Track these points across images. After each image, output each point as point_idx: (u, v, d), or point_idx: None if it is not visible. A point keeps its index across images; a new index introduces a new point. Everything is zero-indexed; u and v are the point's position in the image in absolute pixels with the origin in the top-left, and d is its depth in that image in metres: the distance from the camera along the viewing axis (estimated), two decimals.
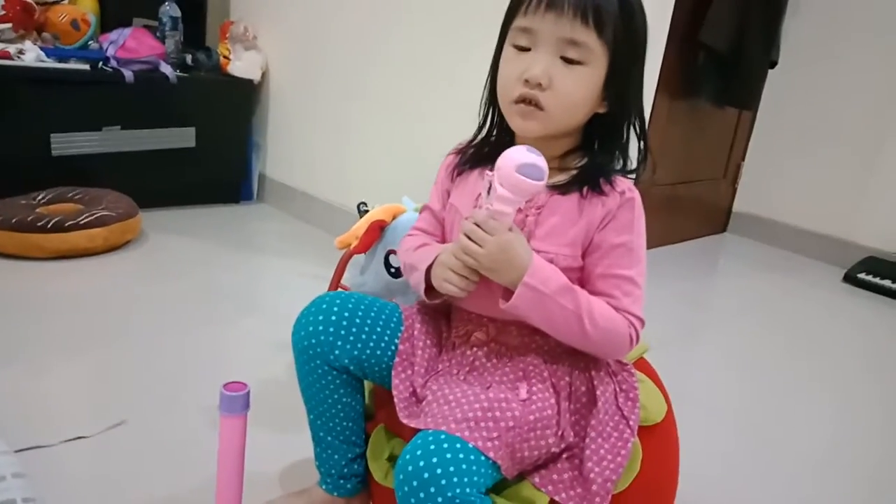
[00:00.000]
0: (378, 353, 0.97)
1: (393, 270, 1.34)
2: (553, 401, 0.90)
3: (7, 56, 2.28)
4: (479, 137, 1.02)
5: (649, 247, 0.95)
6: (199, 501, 1.18)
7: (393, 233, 1.34)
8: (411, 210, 1.39)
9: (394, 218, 1.36)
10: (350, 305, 0.98)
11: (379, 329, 0.98)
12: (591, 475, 0.86)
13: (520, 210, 0.91)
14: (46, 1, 2.55)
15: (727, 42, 2.61)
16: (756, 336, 2.24)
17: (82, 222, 2.15)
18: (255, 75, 2.77)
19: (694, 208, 3.15)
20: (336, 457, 1.04)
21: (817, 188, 3.14)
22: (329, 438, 1.03)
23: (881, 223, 2.97)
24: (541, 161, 0.83)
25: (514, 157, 0.82)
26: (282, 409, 1.39)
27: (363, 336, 0.97)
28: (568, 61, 0.87)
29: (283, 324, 1.83)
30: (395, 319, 1.00)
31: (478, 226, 0.86)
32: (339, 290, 1.65)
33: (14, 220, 2.07)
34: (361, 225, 1.36)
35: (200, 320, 1.85)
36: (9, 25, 2.38)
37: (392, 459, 1.00)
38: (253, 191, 2.95)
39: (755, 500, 1.38)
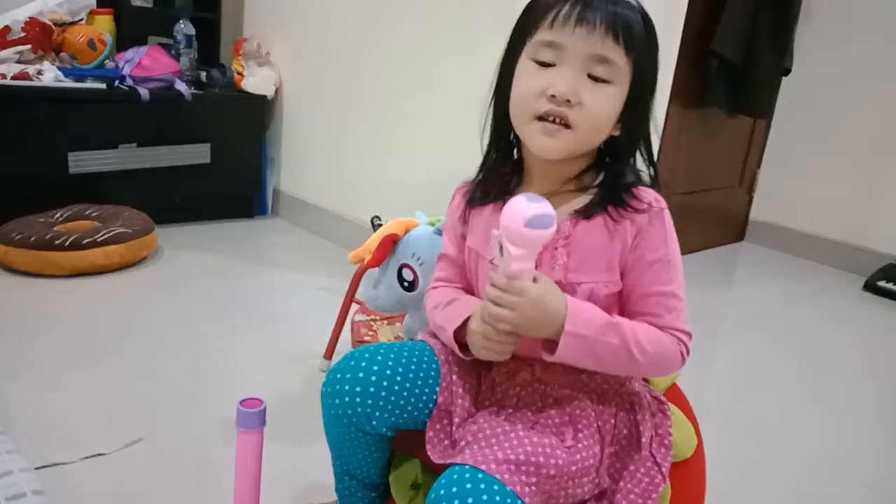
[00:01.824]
0: (416, 413, 0.90)
1: (406, 284, 1.34)
2: (597, 448, 0.86)
3: (26, 77, 2.32)
4: (485, 169, 0.97)
5: None
6: None
7: (405, 246, 1.34)
8: (424, 224, 1.39)
9: (406, 232, 1.36)
10: (388, 371, 0.89)
11: (417, 390, 0.90)
12: None
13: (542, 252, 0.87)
14: (64, 22, 2.59)
15: (739, 51, 2.60)
16: (776, 345, 2.22)
17: (99, 240, 2.17)
18: (268, 91, 2.80)
19: (710, 217, 3.13)
20: (359, 494, 1.00)
21: (835, 195, 3.11)
22: (353, 483, 0.99)
23: None
24: (546, 207, 0.79)
25: (518, 212, 0.78)
26: (296, 422, 1.39)
27: (401, 402, 0.89)
28: (595, 79, 0.83)
29: (298, 337, 1.85)
30: (432, 371, 0.92)
31: (503, 290, 0.81)
32: (356, 304, 1.65)
33: (32, 239, 2.10)
34: (374, 239, 1.36)
35: (216, 334, 1.86)
36: (28, 47, 2.42)
37: (416, 487, 0.96)
38: (267, 205, 2.97)
39: None
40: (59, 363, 1.63)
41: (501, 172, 0.95)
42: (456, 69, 2.16)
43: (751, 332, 2.28)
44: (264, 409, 0.99)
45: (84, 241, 2.14)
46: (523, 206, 0.78)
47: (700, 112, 2.77)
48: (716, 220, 3.21)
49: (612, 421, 0.89)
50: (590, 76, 0.83)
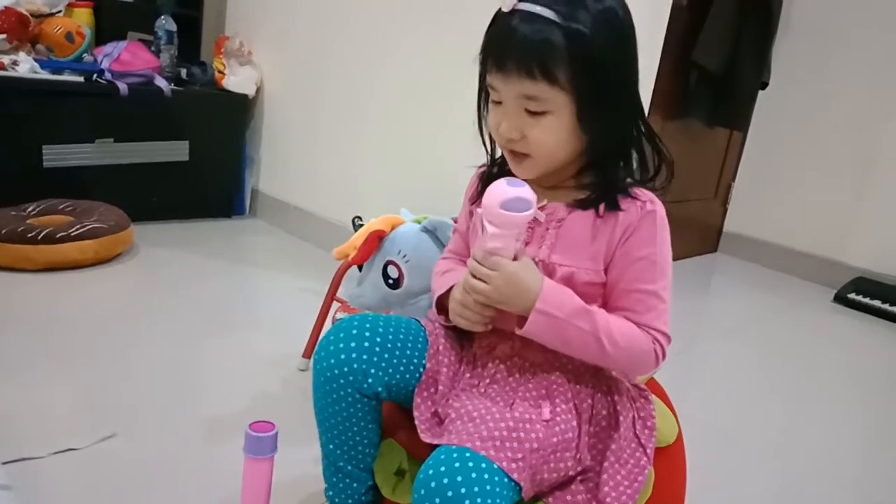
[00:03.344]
0: (407, 375, 0.94)
1: (391, 281, 1.33)
2: (574, 423, 0.88)
3: (1, 67, 2.27)
4: (497, 158, 1.00)
5: None
6: None
7: (392, 243, 1.33)
8: (410, 221, 1.38)
9: (392, 229, 1.35)
10: (380, 329, 0.94)
11: (408, 351, 0.95)
12: (608, 499, 0.85)
13: (532, 228, 0.91)
14: (41, 13, 2.55)
15: (720, 62, 2.64)
16: (747, 356, 2.25)
17: (73, 234, 2.12)
18: (249, 90, 2.78)
19: (685, 228, 3.16)
20: (356, 485, 1.00)
21: (807, 209, 3.17)
22: (349, 468, 0.98)
23: (871, 244, 3.00)
24: (523, 191, 0.84)
25: (496, 195, 0.84)
26: (276, 421, 1.37)
27: (394, 360, 0.93)
28: (532, 113, 0.86)
29: (276, 337, 1.83)
30: (421, 338, 0.97)
31: (480, 263, 0.86)
32: (337, 303, 1.64)
33: (4, 231, 2.05)
34: (360, 235, 1.35)
35: (192, 333, 1.83)
36: (3, 36, 2.37)
37: (400, 473, 0.97)
38: (245, 205, 2.94)
39: None
40: (29, 358, 1.59)
41: (507, 168, 0.97)
42: (436, 68, 2.17)
43: (723, 343, 2.31)
44: (276, 434, 0.97)
45: (58, 235, 2.09)
46: (503, 189, 0.84)
47: (680, 123, 2.81)
48: (691, 231, 3.25)
49: (590, 401, 0.92)
50: (526, 111, 0.86)
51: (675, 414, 1.07)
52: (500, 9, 0.86)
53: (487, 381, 0.93)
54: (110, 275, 2.17)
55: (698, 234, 3.34)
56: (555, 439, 0.84)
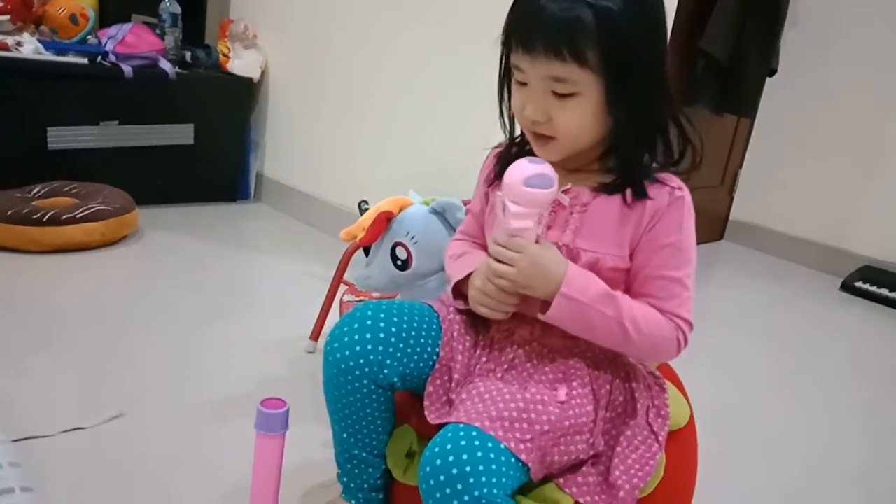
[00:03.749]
0: (421, 364, 0.93)
1: (399, 263, 1.32)
2: (590, 408, 0.87)
3: (5, 47, 2.25)
4: (516, 138, 0.98)
5: None
6: (192, 493, 1.15)
7: (400, 225, 1.32)
8: (418, 203, 1.37)
9: (401, 210, 1.34)
10: (394, 318, 0.92)
11: (423, 339, 0.93)
12: (619, 482, 0.84)
13: (562, 208, 0.89)
14: None
15: (727, 50, 2.62)
16: (753, 345, 2.23)
17: (79, 216, 2.12)
18: (254, 74, 2.76)
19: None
20: (371, 470, 0.99)
21: (814, 197, 3.15)
22: (364, 454, 0.97)
23: (878, 232, 2.98)
24: (546, 168, 0.83)
25: (518, 172, 0.83)
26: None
27: (409, 350, 0.91)
28: (559, 95, 0.83)
29: (283, 320, 1.83)
30: (434, 325, 0.96)
31: (503, 247, 0.84)
32: (344, 286, 1.63)
33: (9, 213, 2.04)
34: (368, 217, 1.35)
35: (198, 317, 1.83)
36: (7, 17, 2.35)
37: (411, 455, 0.97)
38: (250, 189, 2.93)
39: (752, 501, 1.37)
40: (35, 340, 1.59)
41: (526, 148, 0.95)
42: (443, 51, 2.15)
43: (729, 332, 2.29)
44: (287, 410, 0.96)
45: (63, 217, 2.09)
46: (525, 167, 0.83)
47: (687, 111, 2.76)
48: (697, 219, 3.22)
49: (608, 387, 0.91)
50: (554, 93, 0.83)
51: (687, 398, 1.06)
52: None
53: (505, 366, 0.92)
54: (115, 257, 2.16)
55: (704, 222, 3.32)
56: (567, 423, 0.83)
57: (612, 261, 0.88)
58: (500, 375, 0.91)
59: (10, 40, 2.29)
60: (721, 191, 3.35)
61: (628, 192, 0.87)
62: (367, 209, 1.51)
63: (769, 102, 3.11)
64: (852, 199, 3.05)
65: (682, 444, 0.99)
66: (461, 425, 0.77)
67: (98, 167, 2.44)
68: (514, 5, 0.85)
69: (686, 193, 0.89)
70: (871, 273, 2.86)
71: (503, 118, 0.95)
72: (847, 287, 2.84)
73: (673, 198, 0.87)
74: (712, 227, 3.40)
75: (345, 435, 0.97)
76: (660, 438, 0.90)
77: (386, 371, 0.90)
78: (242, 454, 1.06)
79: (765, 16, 2.66)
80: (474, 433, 0.76)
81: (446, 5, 2.13)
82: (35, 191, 2.24)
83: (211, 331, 1.76)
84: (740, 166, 3.35)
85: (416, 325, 0.94)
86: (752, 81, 2.75)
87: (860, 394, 1.97)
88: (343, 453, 0.99)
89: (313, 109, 2.67)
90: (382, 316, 0.92)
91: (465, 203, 1.39)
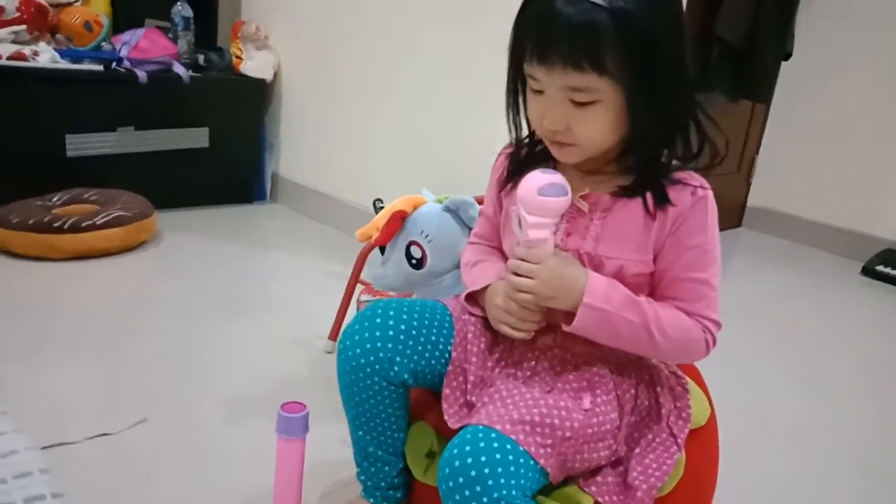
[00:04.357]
0: (433, 361, 0.93)
1: (414, 261, 1.32)
2: (615, 415, 0.86)
3: (22, 57, 2.28)
4: (529, 142, 0.96)
5: None
6: (216, 495, 1.17)
7: (414, 223, 1.33)
8: (431, 201, 1.38)
9: (415, 209, 1.35)
10: (404, 316, 0.92)
11: (433, 337, 0.93)
12: (636, 482, 0.84)
13: (581, 214, 0.88)
14: (59, 2, 2.56)
15: (742, 34, 2.59)
16: (773, 332, 2.21)
17: (98, 223, 2.15)
18: (267, 75, 2.77)
19: None
20: (387, 468, 1.00)
21: (833, 181, 3.11)
22: (379, 453, 0.98)
23: None
24: (558, 177, 0.84)
25: (532, 183, 0.83)
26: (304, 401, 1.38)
27: (419, 347, 0.92)
28: (578, 104, 0.81)
29: (301, 320, 1.84)
30: (446, 324, 0.95)
31: (522, 259, 0.84)
32: (361, 285, 1.64)
33: (31, 222, 2.07)
34: (382, 216, 1.35)
35: (217, 318, 1.85)
36: (23, 27, 2.38)
37: (431, 455, 0.97)
38: (266, 190, 2.95)
39: (772, 495, 1.36)
40: (61, 346, 1.62)
41: (538, 149, 0.94)
42: (454, 50, 2.15)
43: (749, 319, 2.28)
44: (307, 414, 0.98)
45: (83, 224, 2.12)
46: (536, 178, 0.83)
47: (701, 97, 2.73)
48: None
49: (633, 391, 0.90)
50: (572, 101, 0.81)
51: (708, 395, 1.06)
52: None
53: (528, 373, 0.91)
54: (135, 262, 2.19)
55: (721, 210, 3.22)
56: (591, 430, 0.83)
57: (636, 266, 0.86)
58: (522, 380, 0.91)
59: (27, 50, 2.32)
60: (738, 178, 3.32)
61: (650, 198, 0.85)
62: (381, 207, 1.51)
63: (785, 86, 3.07)
64: (872, 181, 3.00)
65: (702, 442, 0.99)
66: (481, 427, 0.77)
67: (116, 173, 2.47)
68: (523, 10, 0.82)
69: (709, 192, 0.87)
70: (893, 256, 2.83)
71: (510, 121, 0.93)
72: (868, 271, 2.80)
73: (696, 198, 0.86)
74: (730, 214, 3.37)
75: (360, 433, 0.98)
76: (679, 440, 0.90)
77: (396, 368, 0.90)
78: (264, 455, 1.07)
79: None
80: (493, 435, 0.76)
81: (459, 3, 2.13)
82: (55, 199, 2.27)
83: (231, 332, 1.78)
84: (757, 152, 3.32)
85: (427, 322, 0.94)
86: (767, 66, 2.71)
87: (884, 383, 1.95)
88: (360, 451, 1.00)
89: (326, 109, 2.68)
90: (392, 314, 0.92)
91: (478, 200, 1.39)
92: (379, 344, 0.90)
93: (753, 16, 2.58)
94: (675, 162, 0.88)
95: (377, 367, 0.90)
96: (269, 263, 2.36)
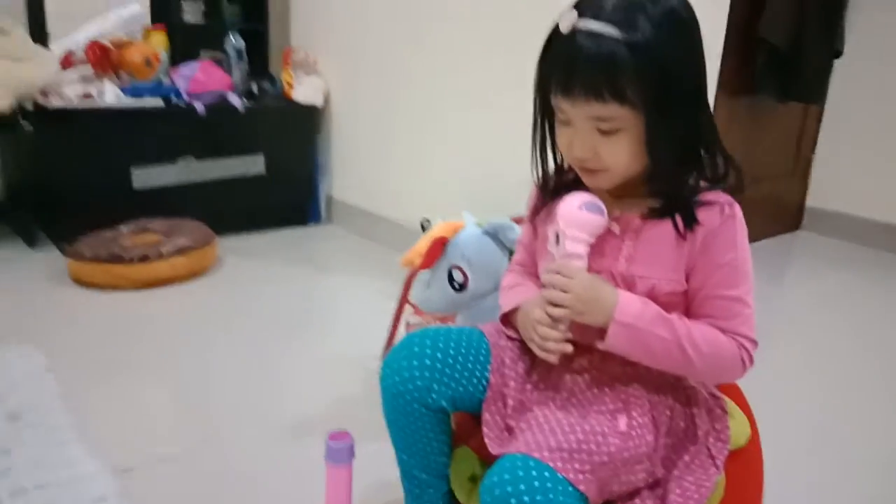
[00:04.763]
0: (471, 388, 0.95)
1: (457, 285, 1.37)
2: (651, 437, 0.87)
3: (89, 97, 2.43)
4: (555, 167, 0.99)
5: None
6: None
7: (454, 248, 1.37)
8: (471, 224, 1.42)
9: (455, 233, 1.39)
10: (441, 345, 0.96)
11: (470, 365, 0.96)
12: None
13: (613, 236, 0.90)
14: (121, 42, 2.71)
15: (787, 36, 2.55)
16: (837, 338, 2.16)
17: (164, 252, 2.27)
18: (317, 100, 2.87)
19: (763, 207, 3.06)
20: (431, 490, 1.03)
21: (894, 179, 3.01)
22: (424, 476, 1.02)
23: None
24: (597, 199, 0.88)
25: (572, 198, 0.88)
26: (356, 422, 1.43)
27: (456, 375, 0.95)
28: (604, 132, 0.84)
29: (355, 340, 1.90)
30: (483, 351, 0.98)
31: (556, 272, 0.87)
32: (410, 307, 1.69)
33: (104, 254, 2.21)
34: (423, 242, 1.40)
35: (275, 340, 1.93)
36: (90, 69, 2.53)
37: (474, 480, 1.00)
38: (321, 212, 3.04)
39: None
40: (132, 372, 1.72)
41: (567, 178, 0.98)
42: (499, 76, 2.18)
43: (810, 326, 2.23)
44: (352, 444, 1.05)
45: (150, 255, 2.24)
46: (578, 194, 0.89)
47: (749, 101, 2.72)
48: (769, 210, 3.14)
49: (668, 413, 0.91)
50: (598, 130, 0.84)
51: (751, 416, 1.06)
52: (555, 29, 0.84)
53: (565, 394, 0.93)
54: (199, 288, 2.30)
55: (777, 213, 3.22)
56: (627, 453, 0.84)
57: (669, 285, 0.88)
58: (559, 404, 0.92)
59: (93, 90, 2.47)
60: (792, 180, 3.24)
61: (679, 220, 0.87)
62: (428, 227, 1.56)
63: (840, 84, 3.00)
64: None
65: (744, 463, 0.98)
66: (520, 455, 0.79)
67: (179, 201, 2.60)
68: (546, 47, 0.86)
69: (737, 210, 0.89)
70: None
71: (535, 155, 0.96)
72: None
73: (724, 216, 0.87)
74: (786, 217, 3.30)
75: (405, 456, 1.01)
76: (717, 461, 0.90)
77: (434, 395, 0.94)
78: (320, 476, 1.13)
79: None
80: (532, 463, 0.78)
81: (502, 29, 2.17)
82: (124, 230, 2.41)
83: (289, 353, 1.86)
84: (812, 152, 3.24)
85: (463, 350, 0.97)
86: (816, 66, 2.66)
87: None
88: (405, 474, 1.03)
89: (376, 131, 2.76)
90: (429, 343, 0.96)
91: (516, 220, 1.43)
92: (416, 373, 0.94)
93: (797, 17, 2.54)
94: (702, 183, 0.90)
95: (416, 394, 0.94)
96: (324, 284, 2.44)
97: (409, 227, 2.53)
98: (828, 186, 3.24)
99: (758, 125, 2.84)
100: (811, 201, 3.32)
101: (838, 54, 2.75)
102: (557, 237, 0.88)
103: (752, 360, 0.88)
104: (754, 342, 0.88)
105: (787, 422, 1.62)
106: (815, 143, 3.23)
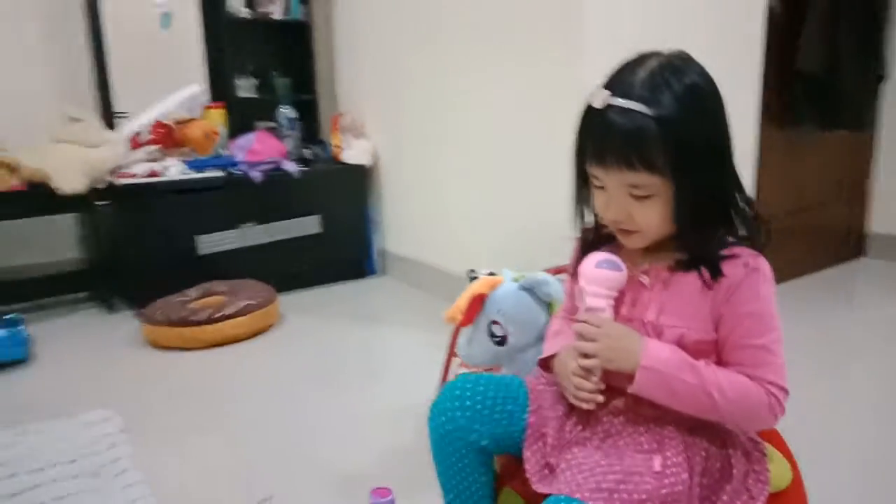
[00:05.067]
0: (510, 428, 1.02)
1: (497, 339, 1.42)
2: (686, 476, 0.90)
3: (156, 174, 2.62)
4: (594, 223, 1.05)
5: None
6: None
7: (492, 304, 1.43)
8: (509, 281, 1.48)
9: (492, 290, 1.45)
10: (481, 388, 1.04)
11: (509, 407, 1.03)
12: None
13: (643, 287, 0.96)
14: (183, 119, 2.91)
15: (823, 64, 2.55)
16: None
17: (229, 314, 2.40)
18: (365, 160, 3.01)
19: (818, 236, 3.01)
20: None
21: None
22: None
23: None
24: (614, 256, 0.95)
25: (591, 258, 0.96)
26: (409, 471, 1.51)
27: (495, 416, 1.02)
28: (636, 197, 0.91)
29: (408, 391, 1.97)
30: (522, 395, 1.05)
31: (584, 321, 0.94)
32: (463, 369, 1.75)
33: (174, 318, 2.36)
34: (464, 299, 1.47)
35: (333, 393, 2.02)
36: (156, 147, 2.73)
37: None
38: (375, 265, 3.16)
39: None
40: (202, 429, 1.83)
41: (604, 232, 1.04)
42: (539, 132, 2.26)
43: (871, 359, 2.18)
44: (392, 499, 1.14)
45: (216, 316, 2.38)
46: (596, 254, 0.97)
47: (793, 130, 2.71)
48: (825, 239, 3.08)
49: (703, 454, 0.94)
50: (631, 195, 0.91)
51: (792, 460, 1.07)
52: (589, 104, 0.92)
53: (601, 435, 0.98)
54: (262, 346, 2.42)
55: (835, 241, 3.16)
56: (664, 491, 0.87)
57: (697, 334, 0.93)
58: (596, 444, 0.97)
59: (158, 167, 2.66)
60: (845, 207, 3.17)
61: (705, 272, 0.93)
62: (475, 277, 1.63)
63: (892, 108, 2.95)
64: None
65: None
66: (563, 497, 0.85)
67: (241, 264, 2.76)
68: (582, 120, 0.94)
69: (761, 264, 0.93)
70: None
71: (576, 212, 1.04)
72: None
73: (748, 269, 0.92)
74: (846, 244, 3.22)
75: (451, 496, 1.08)
76: (758, 502, 0.92)
77: (475, 433, 1.02)
78: None
79: (859, 21, 2.56)
80: None
81: (542, 89, 2.25)
82: (191, 294, 2.56)
83: (347, 404, 1.95)
84: (867, 177, 3.18)
85: (502, 395, 1.05)
86: (857, 92, 2.64)
87: None
88: None
89: (423, 186, 2.87)
90: (470, 387, 1.05)
91: (558, 271, 1.48)
92: (458, 413, 1.02)
93: (832, 45, 2.53)
94: (730, 239, 0.95)
95: (459, 433, 1.02)
96: (379, 336, 2.53)
97: (458, 276, 2.61)
98: (890, 210, 3.17)
99: (803, 154, 2.83)
100: (875, 227, 3.24)
101: (880, 78, 2.72)
102: (581, 290, 0.96)
103: (782, 408, 0.91)
104: (783, 390, 0.91)
105: (840, 457, 1.60)
106: (868, 169, 3.17)
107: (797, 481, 1.05)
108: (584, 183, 1.00)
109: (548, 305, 1.44)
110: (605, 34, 2.04)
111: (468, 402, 1.03)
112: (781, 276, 2.30)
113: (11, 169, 2.46)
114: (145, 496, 1.47)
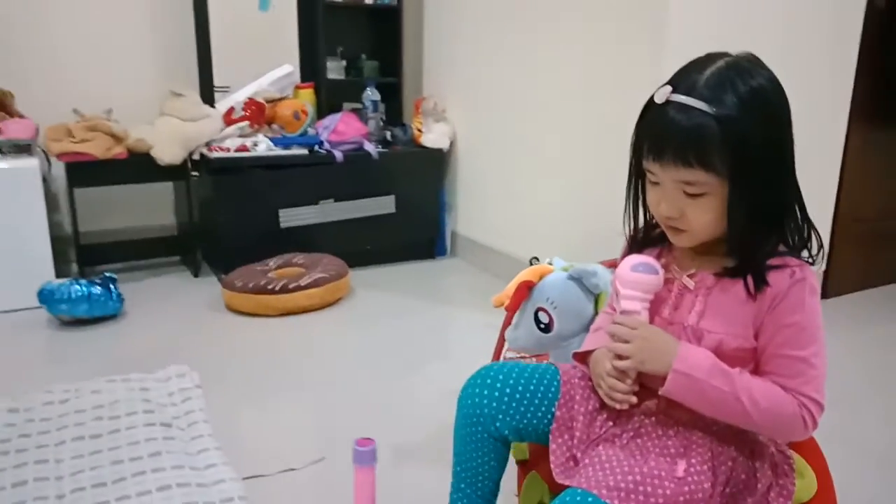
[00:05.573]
0: (535, 421, 1.04)
1: (542, 326, 1.47)
2: (708, 485, 0.90)
3: (245, 149, 2.78)
4: (645, 223, 1.07)
5: (853, 290, 0.94)
6: None
7: (540, 292, 1.48)
8: (559, 269, 1.52)
9: (541, 278, 1.50)
10: (511, 380, 1.05)
11: (538, 399, 1.05)
12: None
13: (688, 291, 0.98)
14: (274, 98, 3.06)
15: None
16: None
17: (303, 284, 2.53)
18: (444, 144, 3.08)
19: None
20: None
21: None
22: (469, 491, 1.12)
23: None
24: (651, 260, 0.97)
25: (627, 261, 0.98)
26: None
27: (522, 408, 1.04)
28: (690, 195, 0.92)
29: (464, 371, 2.04)
30: (553, 386, 1.06)
31: (620, 324, 0.96)
32: (503, 358, 1.81)
33: (251, 285, 2.51)
34: (512, 286, 1.52)
35: (394, 368, 2.12)
36: (247, 123, 2.89)
37: None
38: (446, 247, 3.24)
39: None
40: (268, 391, 1.97)
41: (654, 233, 1.07)
42: (615, 118, 2.27)
43: None
44: (375, 448, 1.19)
45: (291, 286, 2.51)
46: (632, 257, 0.99)
47: (888, 129, 2.59)
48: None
49: (730, 463, 0.95)
50: (685, 192, 0.92)
51: (823, 465, 1.07)
52: (651, 99, 0.93)
53: (631, 433, 1.00)
54: (332, 317, 2.55)
55: None
56: (682, 498, 0.88)
57: (736, 341, 0.93)
58: (625, 442, 0.99)
59: (248, 142, 2.81)
60: None
61: (750, 280, 0.92)
62: (536, 265, 1.68)
63: None
64: None
65: None
66: (580, 491, 0.88)
67: (319, 238, 2.89)
68: (642, 116, 0.95)
69: (808, 275, 0.92)
70: None
71: (628, 211, 1.06)
72: None
73: (793, 280, 0.91)
74: None
75: (458, 468, 1.12)
76: None
77: (498, 424, 1.05)
78: (420, 494, 1.25)
79: None
80: (590, 499, 0.86)
81: (617, 75, 2.27)
82: (271, 264, 2.71)
83: (406, 379, 2.04)
84: None
85: (533, 386, 1.07)
86: None
87: None
88: (454, 484, 1.14)
89: (497, 172, 2.92)
90: (501, 377, 1.07)
91: (611, 264, 1.51)
92: (485, 402, 1.05)
93: None
94: (782, 248, 0.95)
95: (482, 420, 1.06)
96: (444, 316, 2.61)
97: (524, 262, 2.65)
98: None
99: None
100: None
101: None
102: (617, 293, 0.99)
103: (814, 420, 0.91)
104: (818, 403, 0.91)
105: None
106: None
107: (823, 495, 1.04)
108: (639, 178, 1.01)
109: (594, 296, 1.47)
110: (689, 32, 2.04)
111: (496, 393, 1.05)
112: (858, 284, 2.24)
113: (118, 139, 2.67)
114: (211, 448, 1.59)
